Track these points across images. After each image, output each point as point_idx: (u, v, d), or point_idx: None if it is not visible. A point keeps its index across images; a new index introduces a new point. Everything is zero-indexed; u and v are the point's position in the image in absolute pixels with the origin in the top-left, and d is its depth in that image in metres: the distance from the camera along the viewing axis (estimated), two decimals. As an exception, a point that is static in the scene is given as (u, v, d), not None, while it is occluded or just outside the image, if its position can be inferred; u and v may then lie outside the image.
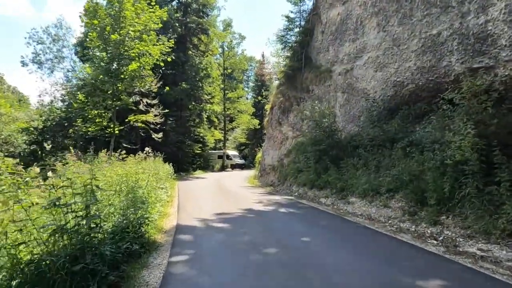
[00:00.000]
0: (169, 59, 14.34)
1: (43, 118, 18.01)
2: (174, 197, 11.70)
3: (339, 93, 15.52)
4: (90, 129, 13.05)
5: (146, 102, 19.30)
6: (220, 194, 12.80)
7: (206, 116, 31.32)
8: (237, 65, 40.14)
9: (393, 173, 8.98)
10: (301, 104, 17.93)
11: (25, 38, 20.76)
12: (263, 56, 48.01)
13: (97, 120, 12.62)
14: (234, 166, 38.24)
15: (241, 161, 40.74)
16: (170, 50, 14.35)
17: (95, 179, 4.43)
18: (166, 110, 21.01)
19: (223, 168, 36.32)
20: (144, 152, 16.20)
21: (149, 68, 13.91)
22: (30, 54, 27.97)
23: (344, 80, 15.11)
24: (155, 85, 18.10)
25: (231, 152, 41.39)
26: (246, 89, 58.14)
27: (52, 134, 18.46)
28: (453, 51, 9.04)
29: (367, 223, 7.52)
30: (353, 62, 14.66)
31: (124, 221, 5.01)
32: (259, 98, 44.00)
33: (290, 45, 18.77)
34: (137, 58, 13.09)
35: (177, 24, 24.70)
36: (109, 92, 12.36)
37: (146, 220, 5.70)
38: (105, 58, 11.56)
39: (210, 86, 27.29)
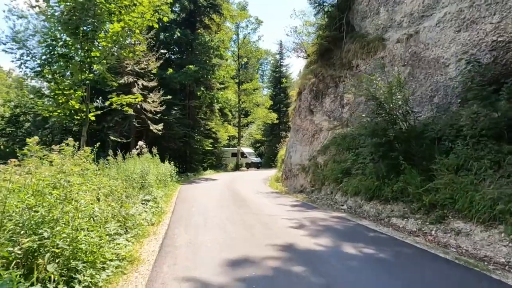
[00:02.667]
0: (165, 19, 10.37)
1: (12, 104, 14.48)
2: (166, 215, 7.69)
3: (397, 67, 11.34)
4: (54, 114, 9.24)
5: (142, 84, 15.43)
6: (235, 210, 8.72)
7: (218, 108, 27.31)
8: (253, 53, 35.94)
9: None
10: (341, 85, 13.70)
11: (4, 11, 17.41)
12: (280, 45, 43.70)
13: (59, 100, 8.81)
14: (249, 165, 34.29)
15: (257, 160, 36.75)
16: (168, 6, 10.37)
17: None
18: (169, 97, 17.08)
19: (237, 167, 32.38)
20: (137, 147, 12.49)
21: (138, 31, 9.97)
22: (7, 30, 24.61)
23: (406, 49, 11.06)
24: (153, 62, 14.23)
25: (246, 150, 37.42)
26: (261, 83, 54.28)
27: (30, 124, 14.89)
28: None
29: None
30: (419, 24, 10.75)
31: None
32: (284, 82, 39.45)
33: (325, 10, 14.49)
34: (118, 13, 9.18)
35: (184, -4, 20.80)
36: (76, 60, 8.56)
37: None
38: (62, 3, 7.74)
39: (223, 71, 23.21)
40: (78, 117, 9.58)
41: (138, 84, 15.25)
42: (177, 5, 21.88)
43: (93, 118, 9.86)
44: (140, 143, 12.45)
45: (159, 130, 16.29)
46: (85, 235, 3.27)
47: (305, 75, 15.77)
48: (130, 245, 4.78)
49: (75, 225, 3.05)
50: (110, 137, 13.72)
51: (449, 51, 9.21)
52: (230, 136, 37.23)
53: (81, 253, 3.20)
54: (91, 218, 3.60)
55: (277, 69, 45.55)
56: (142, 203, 7.18)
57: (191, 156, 23.62)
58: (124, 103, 10.33)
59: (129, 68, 14.59)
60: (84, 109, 9.48)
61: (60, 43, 8.32)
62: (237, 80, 32.54)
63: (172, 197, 10.73)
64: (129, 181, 7.26)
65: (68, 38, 8.29)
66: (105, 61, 9.98)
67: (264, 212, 8.27)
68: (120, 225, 4.96)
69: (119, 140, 14.21)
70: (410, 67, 10.65)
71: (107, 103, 10.21)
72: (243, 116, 36.90)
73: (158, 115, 16.70)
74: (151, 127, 15.98)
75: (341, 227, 6.73)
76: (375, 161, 8.99)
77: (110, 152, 8.86)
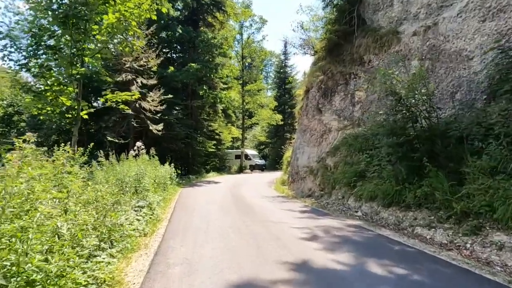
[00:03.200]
0: (164, 10, 9.62)
1: (5, 103, 13.88)
2: (162, 223, 6.92)
3: (414, 61, 10.60)
4: (43, 111, 8.53)
5: (141, 82, 14.73)
6: (238, 217, 7.93)
7: (221, 109, 26.54)
8: (257, 53, 35.23)
9: None
10: (352, 82, 12.88)
11: (0, 7, 16.85)
12: (285, 44, 42.90)
13: (48, 97, 8.10)
14: (253, 167, 33.51)
15: (261, 162, 35.92)
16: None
17: None
18: (170, 96, 16.36)
19: (241, 170, 31.58)
20: (135, 148, 11.78)
21: (135, 23, 9.26)
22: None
23: (423, 42, 10.31)
24: (153, 59, 13.53)
25: (250, 152, 36.62)
26: (265, 84, 53.56)
27: (25, 124, 14.23)
28: None
29: None
30: (437, 15, 10.03)
31: None
32: (289, 81, 38.46)
33: (334, 3, 13.71)
34: (112, 2, 8.46)
35: (186, -8, 20.12)
36: (66, 53, 7.88)
37: None
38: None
39: (226, 69, 22.44)
40: (69, 116, 8.87)
41: (137, 82, 14.53)
42: (179, 2, 21.24)
43: (85, 117, 9.13)
44: (138, 143, 11.72)
45: (159, 131, 15.54)
46: (44, 260, 2.50)
47: (312, 72, 14.96)
48: (115, 262, 4.02)
49: (24, 249, 2.29)
50: (107, 137, 13.02)
51: (473, 42, 8.47)
52: (234, 137, 36.49)
53: (37, 284, 2.41)
54: (56, 236, 2.84)
55: (281, 70, 44.79)
56: (135, 210, 6.41)
57: (193, 158, 22.86)
58: (120, 100, 9.59)
59: (127, 65, 13.89)
60: (76, 107, 8.78)
61: (48, 33, 7.59)
62: (241, 81, 31.83)
63: (171, 202, 9.95)
64: (120, 185, 6.51)
65: (56, 28, 7.56)
66: (99, 55, 9.28)
67: (271, 220, 7.46)
68: (103, 239, 4.18)
69: (116, 140, 13.51)
70: (429, 61, 9.88)
71: (101, 100, 9.49)
72: (247, 118, 36.14)
73: (158, 115, 15.97)
74: (150, 127, 15.23)
75: (360, 238, 5.90)
76: (392, 162, 8.16)
77: (100, 153, 8.10)
